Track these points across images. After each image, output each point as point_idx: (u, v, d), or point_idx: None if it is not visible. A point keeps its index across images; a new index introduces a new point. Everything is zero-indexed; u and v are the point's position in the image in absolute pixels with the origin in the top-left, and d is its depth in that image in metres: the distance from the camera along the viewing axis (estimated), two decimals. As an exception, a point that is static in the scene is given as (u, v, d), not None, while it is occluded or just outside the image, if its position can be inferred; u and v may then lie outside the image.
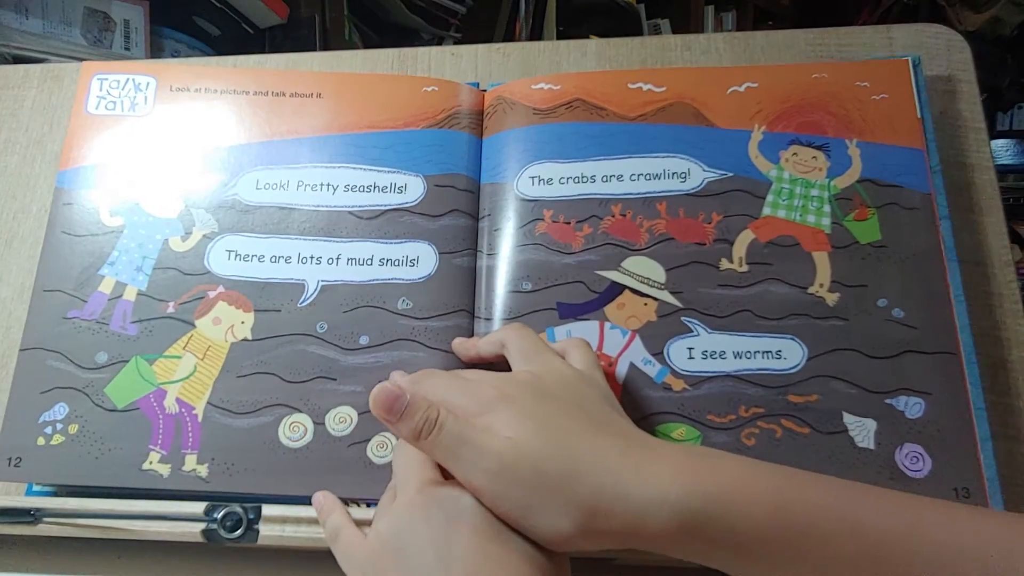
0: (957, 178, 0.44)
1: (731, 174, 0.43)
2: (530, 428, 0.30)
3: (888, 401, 0.38)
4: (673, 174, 0.43)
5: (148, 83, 0.47)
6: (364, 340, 0.41)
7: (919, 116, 0.43)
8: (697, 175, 0.43)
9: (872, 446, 0.37)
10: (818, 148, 0.43)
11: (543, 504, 0.29)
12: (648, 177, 0.43)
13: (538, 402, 0.32)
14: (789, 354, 0.39)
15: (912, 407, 0.38)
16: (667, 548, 0.29)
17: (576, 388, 0.33)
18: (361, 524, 0.35)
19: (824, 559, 0.27)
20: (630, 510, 0.28)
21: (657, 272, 0.42)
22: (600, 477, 0.29)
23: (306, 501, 0.38)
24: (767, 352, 0.39)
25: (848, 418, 0.38)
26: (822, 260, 0.41)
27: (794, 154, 0.43)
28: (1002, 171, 1.61)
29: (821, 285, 0.40)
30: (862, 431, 0.38)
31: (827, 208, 0.42)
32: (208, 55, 0.88)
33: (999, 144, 1.60)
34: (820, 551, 0.27)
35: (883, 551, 0.27)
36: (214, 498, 0.38)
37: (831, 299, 0.40)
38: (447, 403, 0.32)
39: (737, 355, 0.40)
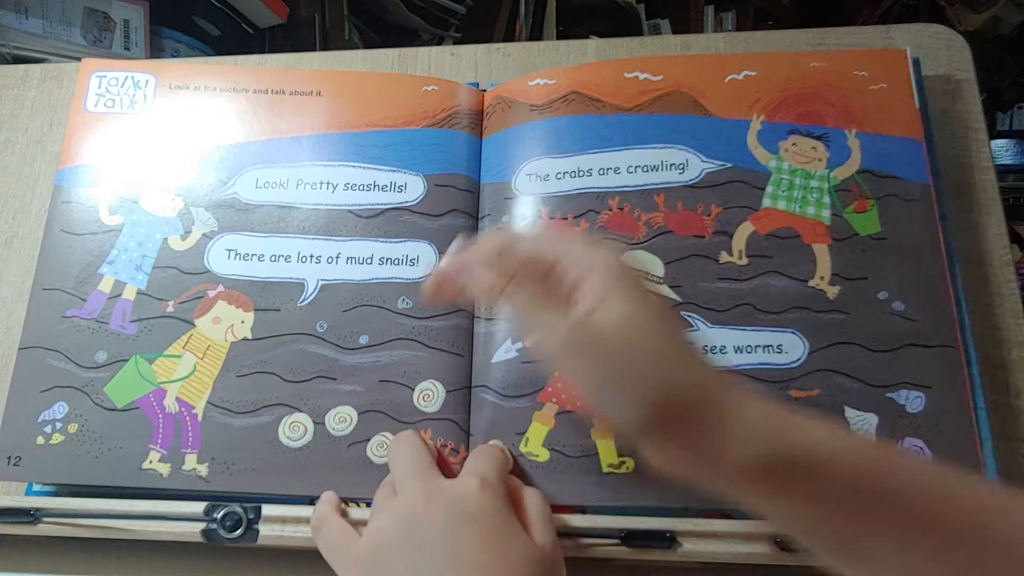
0: (957, 178, 0.44)
1: (730, 165, 0.43)
2: (638, 308, 0.28)
3: (889, 395, 0.38)
4: (671, 165, 0.43)
5: (147, 81, 0.47)
6: (364, 339, 0.41)
7: (918, 107, 0.43)
8: (695, 166, 0.43)
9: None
10: (817, 138, 0.43)
11: (630, 371, 0.27)
12: (646, 169, 0.43)
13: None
14: (790, 348, 0.39)
15: (913, 401, 0.38)
16: (739, 484, 0.27)
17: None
18: (359, 524, 0.35)
19: (922, 523, 0.25)
20: (715, 421, 0.26)
21: (656, 266, 0.41)
22: (695, 375, 0.27)
23: (306, 501, 0.38)
24: (768, 346, 0.39)
25: (850, 412, 0.38)
26: (822, 252, 0.41)
27: (793, 144, 0.43)
28: (1002, 171, 1.61)
29: (822, 278, 0.40)
30: (863, 425, 0.38)
31: (827, 199, 0.42)
32: (208, 55, 0.88)
33: (999, 144, 1.60)
34: (918, 513, 0.25)
35: (997, 530, 0.25)
36: (214, 498, 0.38)
37: (831, 292, 0.40)
38: None
39: (738, 349, 0.39)
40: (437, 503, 0.30)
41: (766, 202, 0.42)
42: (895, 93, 0.43)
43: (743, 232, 0.41)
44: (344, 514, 0.36)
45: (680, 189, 0.42)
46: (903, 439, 0.37)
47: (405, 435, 0.37)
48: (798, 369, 0.39)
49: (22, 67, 0.53)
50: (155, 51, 0.84)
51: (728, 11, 1.78)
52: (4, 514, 0.37)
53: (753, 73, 0.44)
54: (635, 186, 0.43)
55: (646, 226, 0.42)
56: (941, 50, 0.47)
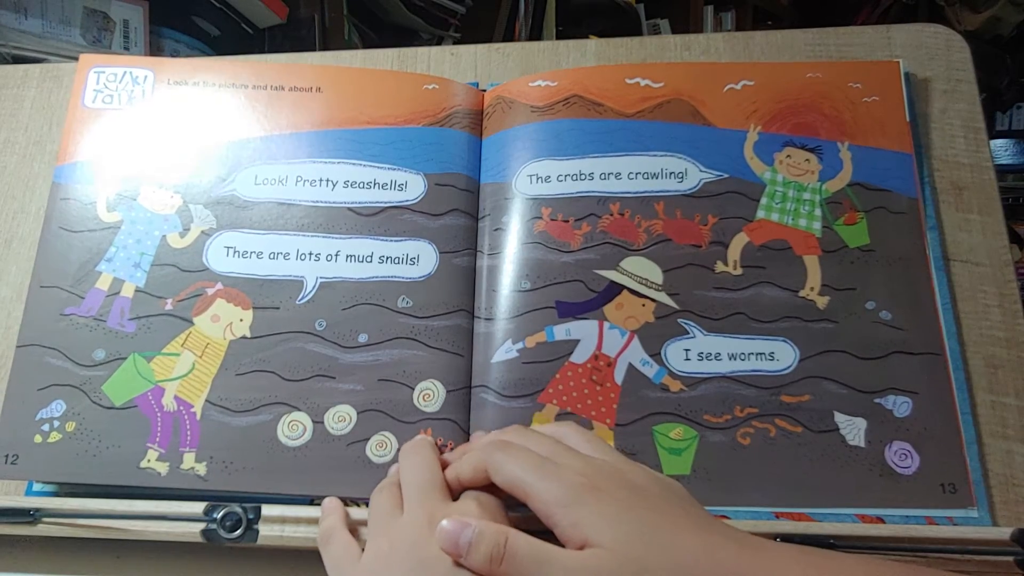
0: (956, 178, 0.44)
1: (727, 175, 0.43)
2: (625, 531, 0.27)
3: (877, 400, 0.39)
4: (670, 174, 0.43)
5: (146, 76, 0.46)
6: (363, 338, 0.41)
7: (908, 119, 0.44)
8: (694, 175, 0.43)
9: (863, 444, 0.38)
10: (811, 151, 0.44)
11: None
12: (646, 176, 0.43)
13: (633, 497, 0.29)
14: (782, 356, 0.40)
15: (900, 406, 0.39)
16: None
17: (663, 483, 0.31)
18: (360, 524, 0.35)
19: None
20: None
21: (655, 273, 0.42)
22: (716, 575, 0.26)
23: (305, 501, 0.38)
24: (760, 354, 0.40)
25: (839, 417, 0.39)
26: (813, 264, 0.41)
27: (788, 156, 0.43)
28: (1001, 171, 1.61)
29: (812, 288, 0.41)
30: (853, 430, 0.39)
31: (818, 212, 0.42)
32: (208, 55, 0.88)
33: (998, 144, 1.61)
34: None
35: None
36: (212, 497, 0.38)
37: (821, 302, 0.41)
38: (526, 487, 0.29)
39: (732, 356, 0.40)
40: None
41: (760, 214, 0.43)
42: (887, 106, 0.44)
43: (738, 243, 0.42)
44: (352, 528, 0.35)
45: (679, 198, 0.43)
46: (891, 443, 0.38)
47: (419, 446, 0.36)
48: (789, 376, 0.40)
49: (21, 67, 0.53)
50: (154, 51, 0.84)
51: (727, 11, 1.79)
52: (4, 514, 0.37)
53: (751, 83, 0.45)
54: (635, 192, 0.43)
55: (646, 233, 0.42)
56: (940, 50, 0.47)
